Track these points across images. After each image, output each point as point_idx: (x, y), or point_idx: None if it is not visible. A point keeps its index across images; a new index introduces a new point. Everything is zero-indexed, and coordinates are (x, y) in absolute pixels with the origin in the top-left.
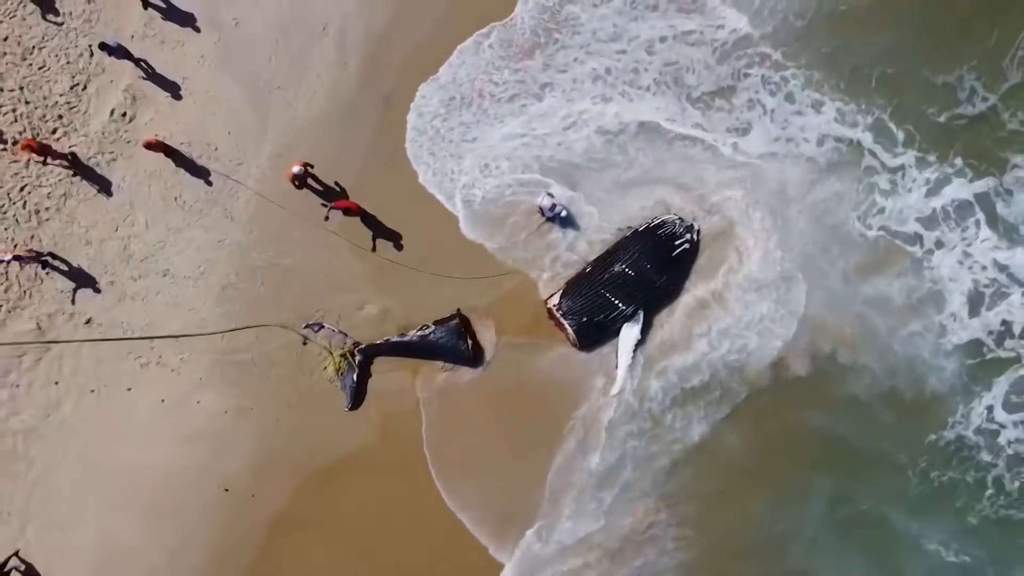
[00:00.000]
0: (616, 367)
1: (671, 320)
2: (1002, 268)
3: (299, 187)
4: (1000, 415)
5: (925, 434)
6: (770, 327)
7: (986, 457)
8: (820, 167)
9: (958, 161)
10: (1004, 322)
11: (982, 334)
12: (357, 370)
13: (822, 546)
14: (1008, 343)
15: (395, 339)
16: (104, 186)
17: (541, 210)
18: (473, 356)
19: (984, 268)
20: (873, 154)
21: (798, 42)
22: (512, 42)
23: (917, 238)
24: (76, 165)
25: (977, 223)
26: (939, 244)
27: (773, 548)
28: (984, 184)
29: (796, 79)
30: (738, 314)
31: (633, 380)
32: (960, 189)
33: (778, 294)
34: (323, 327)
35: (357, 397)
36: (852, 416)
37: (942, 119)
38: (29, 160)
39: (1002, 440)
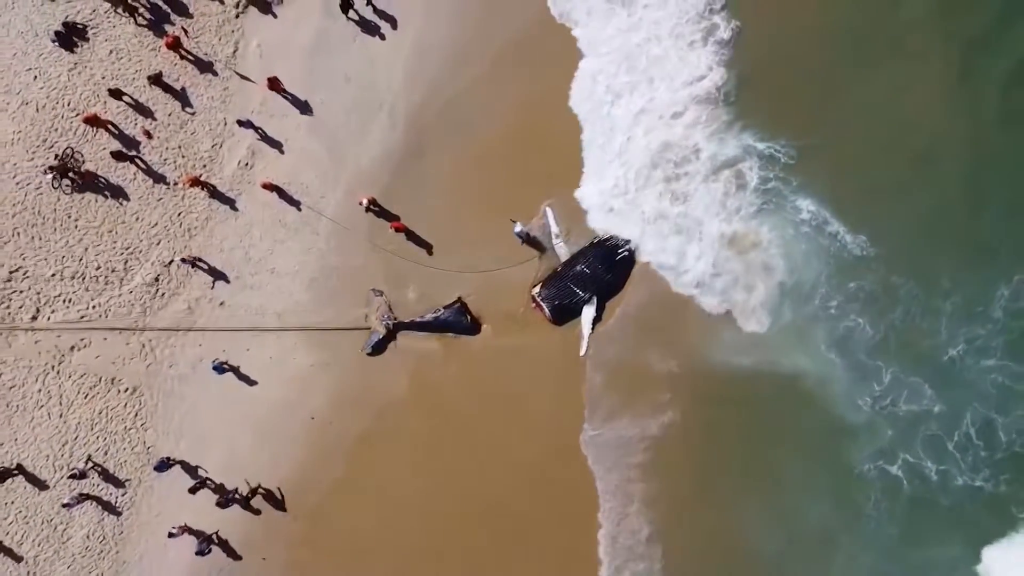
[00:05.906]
0: (581, 336)
1: None
2: None
3: (366, 211)
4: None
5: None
6: None
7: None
8: None
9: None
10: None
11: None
12: (383, 333)
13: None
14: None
15: (417, 319)
16: (233, 212)
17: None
18: (473, 327)
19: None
20: None
21: None
22: None
23: None
24: (215, 194)
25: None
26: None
27: None
28: None
29: None
30: None
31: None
32: None
33: None
34: (383, 293)
35: (375, 351)
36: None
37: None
38: (184, 195)
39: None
